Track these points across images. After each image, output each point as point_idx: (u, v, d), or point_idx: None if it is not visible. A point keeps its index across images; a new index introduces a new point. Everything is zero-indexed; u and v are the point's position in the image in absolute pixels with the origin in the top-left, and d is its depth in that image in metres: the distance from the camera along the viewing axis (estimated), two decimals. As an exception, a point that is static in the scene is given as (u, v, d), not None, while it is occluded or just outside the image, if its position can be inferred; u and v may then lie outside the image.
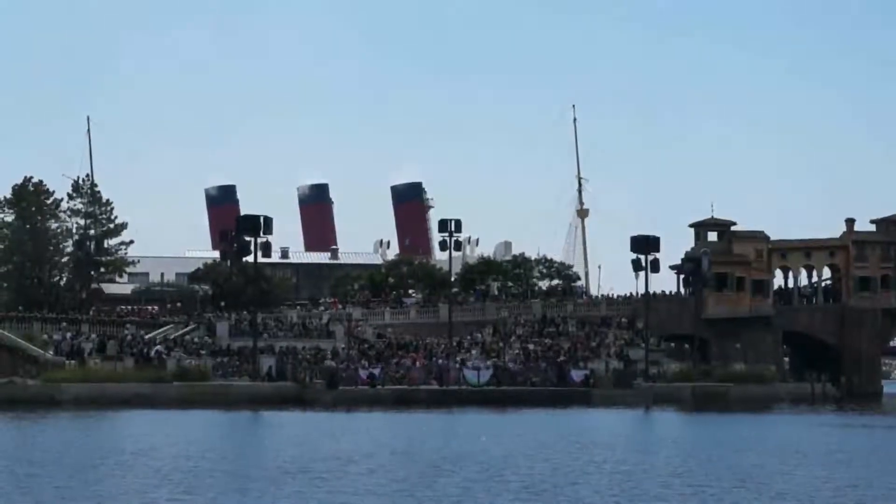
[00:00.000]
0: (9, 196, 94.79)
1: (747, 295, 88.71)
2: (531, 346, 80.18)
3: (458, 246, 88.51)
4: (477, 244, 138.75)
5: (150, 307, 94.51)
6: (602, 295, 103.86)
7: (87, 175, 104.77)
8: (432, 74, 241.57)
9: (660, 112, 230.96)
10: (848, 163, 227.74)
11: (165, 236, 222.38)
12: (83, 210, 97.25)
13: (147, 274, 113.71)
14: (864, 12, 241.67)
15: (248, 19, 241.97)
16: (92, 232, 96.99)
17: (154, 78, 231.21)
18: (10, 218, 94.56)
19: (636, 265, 78.42)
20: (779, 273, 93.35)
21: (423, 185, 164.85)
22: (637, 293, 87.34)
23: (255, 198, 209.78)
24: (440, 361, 73.88)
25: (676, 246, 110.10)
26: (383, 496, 26.21)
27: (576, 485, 28.40)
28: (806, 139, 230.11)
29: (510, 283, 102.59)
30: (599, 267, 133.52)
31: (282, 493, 26.43)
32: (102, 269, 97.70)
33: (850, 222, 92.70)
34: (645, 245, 78.14)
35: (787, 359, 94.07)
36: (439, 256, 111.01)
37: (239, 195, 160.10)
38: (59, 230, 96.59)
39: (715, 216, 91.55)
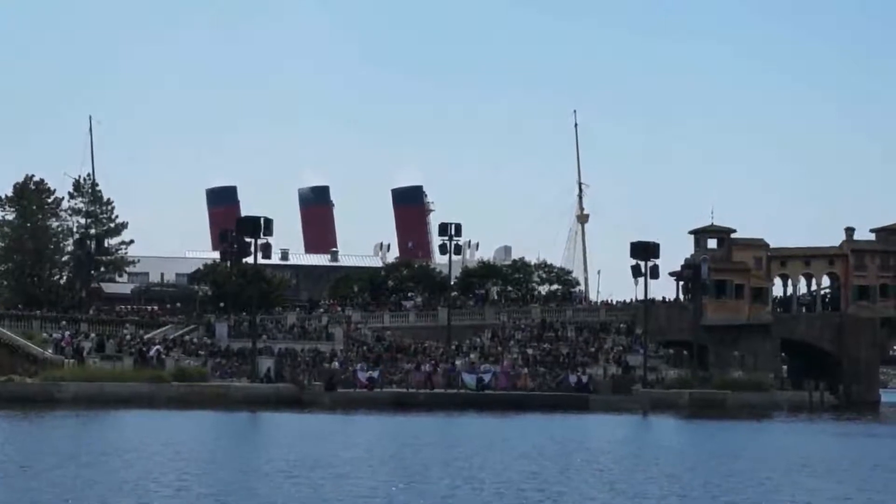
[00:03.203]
0: (10, 194, 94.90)
1: (746, 302, 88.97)
2: (530, 351, 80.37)
3: (458, 250, 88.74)
4: (477, 248, 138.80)
5: (149, 307, 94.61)
6: (601, 300, 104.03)
7: (89, 174, 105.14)
8: (434, 78, 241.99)
9: (661, 118, 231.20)
10: (848, 172, 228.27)
11: (166, 236, 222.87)
12: (84, 209, 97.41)
13: (147, 274, 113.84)
14: (866, 22, 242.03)
15: (250, 20, 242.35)
16: (92, 231, 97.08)
17: (156, 78, 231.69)
18: (11, 216, 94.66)
19: (636, 271, 78.60)
20: (778, 281, 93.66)
21: (424, 189, 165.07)
22: (636, 299, 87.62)
23: (256, 199, 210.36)
24: (437, 365, 74.12)
25: (676, 252, 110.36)
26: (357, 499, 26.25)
27: (562, 493, 28.44)
28: (806, 147, 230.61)
29: (509, 288, 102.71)
30: (599, 272, 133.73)
31: (252, 496, 26.40)
32: (102, 269, 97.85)
33: (849, 231, 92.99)
34: (644, 251, 78.35)
35: (785, 367, 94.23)
36: (439, 260, 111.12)
37: (240, 196, 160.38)
38: (59, 229, 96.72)
39: (715, 223, 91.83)
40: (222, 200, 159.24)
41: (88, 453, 34.82)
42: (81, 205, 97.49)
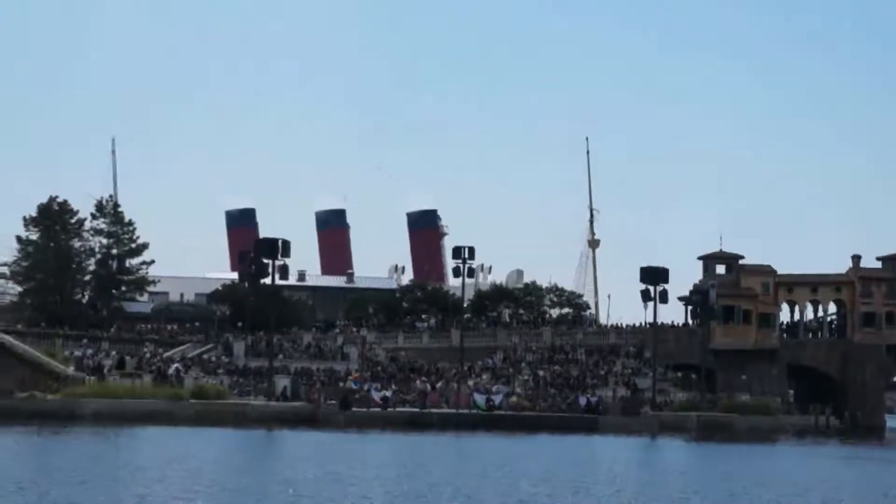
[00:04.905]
0: (34, 215, 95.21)
1: (754, 328, 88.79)
2: (541, 373, 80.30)
3: (472, 273, 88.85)
4: (490, 271, 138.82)
5: (169, 326, 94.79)
6: (611, 324, 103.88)
7: (111, 195, 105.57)
8: (450, 104, 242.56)
9: (671, 146, 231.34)
10: (855, 200, 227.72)
11: (186, 257, 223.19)
12: (106, 230, 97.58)
13: (167, 293, 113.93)
14: (871, 51, 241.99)
15: (273, 52, 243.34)
16: (114, 251, 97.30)
17: (178, 103, 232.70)
18: (34, 236, 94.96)
19: (645, 295, 78.48)
20: (785, 307, 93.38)
21: (438, 213, 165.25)
22: (645, 323, 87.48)
23: (274, 221, 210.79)
24: (452, 385, 74.02)
25: (685, 278, 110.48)
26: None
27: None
28: (814, 176, 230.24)
29: (521, 311, 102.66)
30: (609, 296, 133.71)
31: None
32: (124, 288, 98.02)
33: (856, 259, 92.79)
34: (654, 276, 78.26)
35: (791, 391, 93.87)
36: (452, 283, 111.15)
37: (258, 218, 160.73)
38: (82, 249, 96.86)
39: (723, 249, 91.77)
40: (241, 222, 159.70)
41: (98, 470, 34.78)
42: (103, 225, 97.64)
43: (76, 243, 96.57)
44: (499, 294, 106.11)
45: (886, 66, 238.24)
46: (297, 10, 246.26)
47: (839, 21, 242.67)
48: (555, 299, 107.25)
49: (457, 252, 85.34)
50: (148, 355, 77.67)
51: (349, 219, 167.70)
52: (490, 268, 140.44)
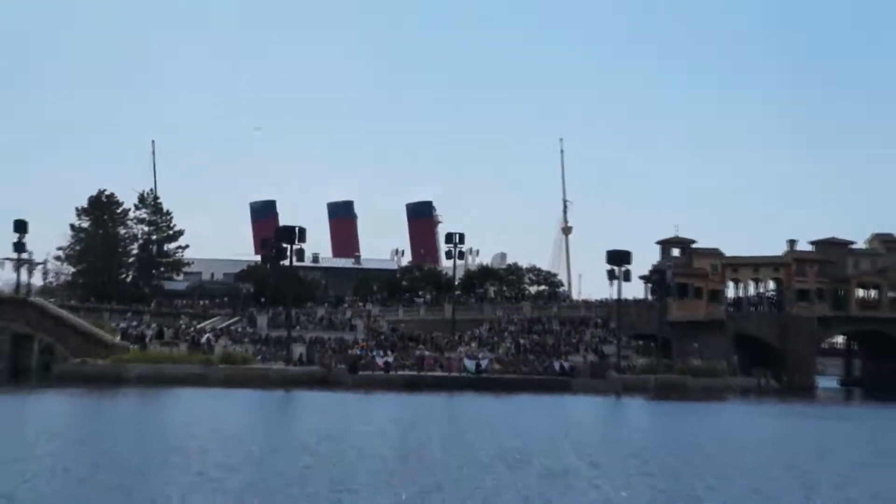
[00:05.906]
0: (85, 206, 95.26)
1: (704, 302, 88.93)
2: (521, 341, 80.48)
3: (462, 255, 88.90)
4: (477, 254, 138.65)
5: (201, 301, 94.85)
6: (582, 299, 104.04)
7: (152, 189, 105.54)
8: (445, 110, 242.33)
9: (634, 146, 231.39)
10: (791, 192, 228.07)
11: (216, 242, 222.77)
12: (147, 218, 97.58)
13: (200, 273, 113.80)
14: (818, 56, 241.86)
15: (285, 56, 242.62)
16: (154, 237, 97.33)
17: (210, 106, 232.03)
18: (86, 224, 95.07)
19: (611, 275, 78.60)
20: (731, 284, 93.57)
21: (434, 204, 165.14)
22: (611, 298, 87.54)
23: (292, 211, 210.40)
24: (444, 353, 74.19)
25: (645, 259, 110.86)
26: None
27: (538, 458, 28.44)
28: (756, 172, 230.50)
29: (504, 288, 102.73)
30: (580, 276, 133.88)
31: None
32: (162, 269, 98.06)
33: (791, 243, 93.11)
34: (618, 258, 78.39)
35: (736, 357, 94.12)
36: (445, 264, 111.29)
37: (278, 209, 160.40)
38: (126, 235, 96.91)
39: (678, 235, 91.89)
40: (264, 212, 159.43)
41: (138, 427, 34.91)
42: (145, 215, 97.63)
43: (121, 230, 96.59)
44: (485, 273, 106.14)
45: (831, 73, 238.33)
46: (308, 14, 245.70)
47: (771, 18, 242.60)
48: (533, 278, 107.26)
49: (449, 238, 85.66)
50: (183, 326, 77.78)
51: (356, 209, 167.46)
52: (478, 251, 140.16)
